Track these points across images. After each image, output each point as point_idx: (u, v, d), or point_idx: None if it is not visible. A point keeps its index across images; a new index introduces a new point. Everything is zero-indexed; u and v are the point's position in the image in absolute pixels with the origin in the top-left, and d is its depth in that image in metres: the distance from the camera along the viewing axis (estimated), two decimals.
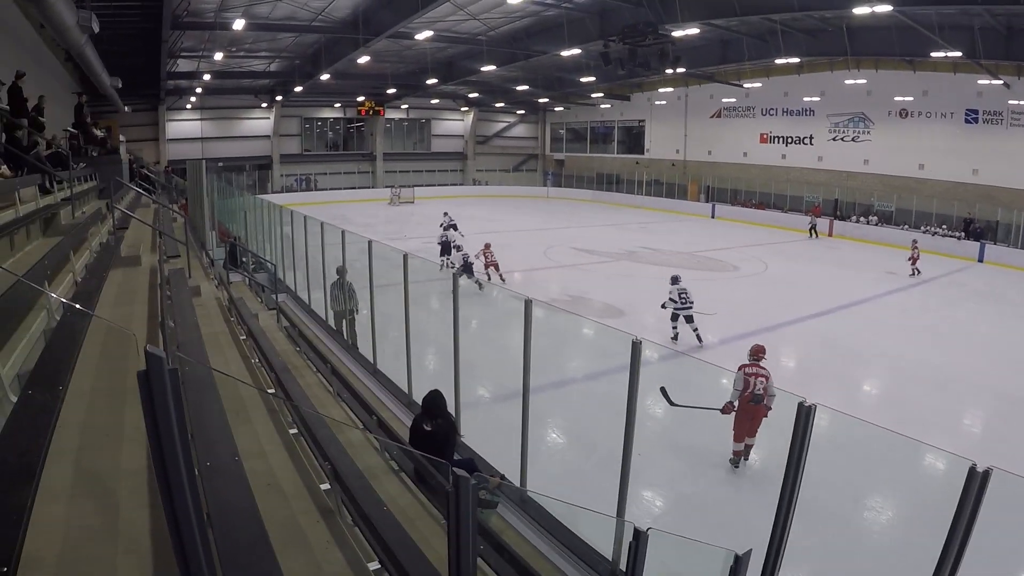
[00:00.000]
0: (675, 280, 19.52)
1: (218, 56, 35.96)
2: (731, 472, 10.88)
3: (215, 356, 8.56)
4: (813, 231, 37.12)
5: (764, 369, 11.38)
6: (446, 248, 27.04)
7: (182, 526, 2.50)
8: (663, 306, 19.14)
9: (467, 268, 23.09)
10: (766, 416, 10.98)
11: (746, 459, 11.45)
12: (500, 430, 8.76)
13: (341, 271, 15.49)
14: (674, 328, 18.69)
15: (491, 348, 15.54)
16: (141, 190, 25.56)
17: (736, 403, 11.15)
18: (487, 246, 25.06)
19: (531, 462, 8.06)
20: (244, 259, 20.75)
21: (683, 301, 18.80)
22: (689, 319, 18.58)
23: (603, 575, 6.31)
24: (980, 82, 36.06)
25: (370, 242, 12.70)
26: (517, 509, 7.42)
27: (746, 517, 7.13)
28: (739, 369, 11.42)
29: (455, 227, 29.50)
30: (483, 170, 66.33)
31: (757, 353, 11.99)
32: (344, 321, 15.66)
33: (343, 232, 14.81)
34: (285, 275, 19.68)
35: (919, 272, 28.65)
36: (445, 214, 32.19)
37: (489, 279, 23.88)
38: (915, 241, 28.76)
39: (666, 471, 10.84)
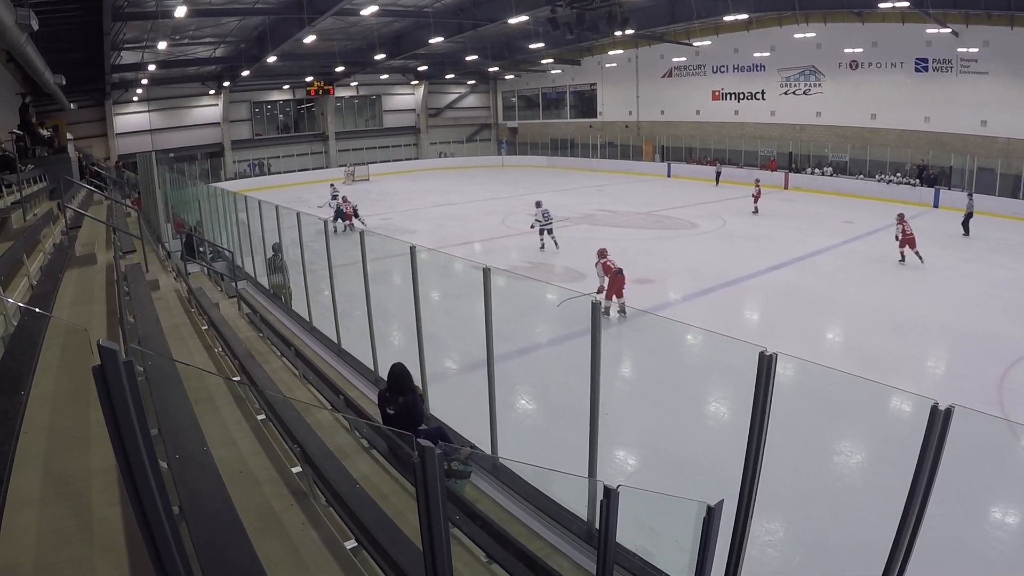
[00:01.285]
0: (539, 204, 26.18)
1: (162, 45, 35.28)
2: (702, 426, 11.02)
3: (177, 348, 8.50)
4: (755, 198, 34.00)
5: (605, 258, 17.49)
6: (339, 214, 30.55)
7: (151, 520, 2.49)
8: (531, 226, 25.88)
9: (339, 214, 30.07)
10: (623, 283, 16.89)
11: (621, 312, 16.78)
12: (469, 400, 8.79)
13: (276, 247, 16.47)
14: (541, 240, 25.38)
15: (455, 319, 15.56)
16: (92, 187, 25.17)
17: (606, 283, 16.93)
18: (344, 199, 31.56)
19: (502, 429, 8.09)
20: (201, 249, 20.53)
21: (546, 219, 25.42)
22: (550, 231, 25.45)
23: (579, 535, 6.36)
24: (928, 31, 36.36)
25: (325, 222, 12.63)
26: (490, 477, 7.45)
27: (720, 469, 7.24)
28: (596, 264, 17.53)
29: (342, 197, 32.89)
30: (437, 142, 65.93)
31: (603, 253, 17.73)
32: (282, 294, 16.66)
33: (298, 214, 14.71)
34: (244, 262, 19.51)
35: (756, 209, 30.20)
36: (331, 185, 37.78)
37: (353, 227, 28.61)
38: (901, 215, 27.61)
39: (638, 429, 10.95)
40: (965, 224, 28.81)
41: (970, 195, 29.85)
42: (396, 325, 13.64)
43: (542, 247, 24.72)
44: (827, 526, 8.28)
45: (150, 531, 2.52)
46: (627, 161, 55.20)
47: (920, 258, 23.14)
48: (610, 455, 9.73)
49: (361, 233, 11.09)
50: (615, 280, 16.95)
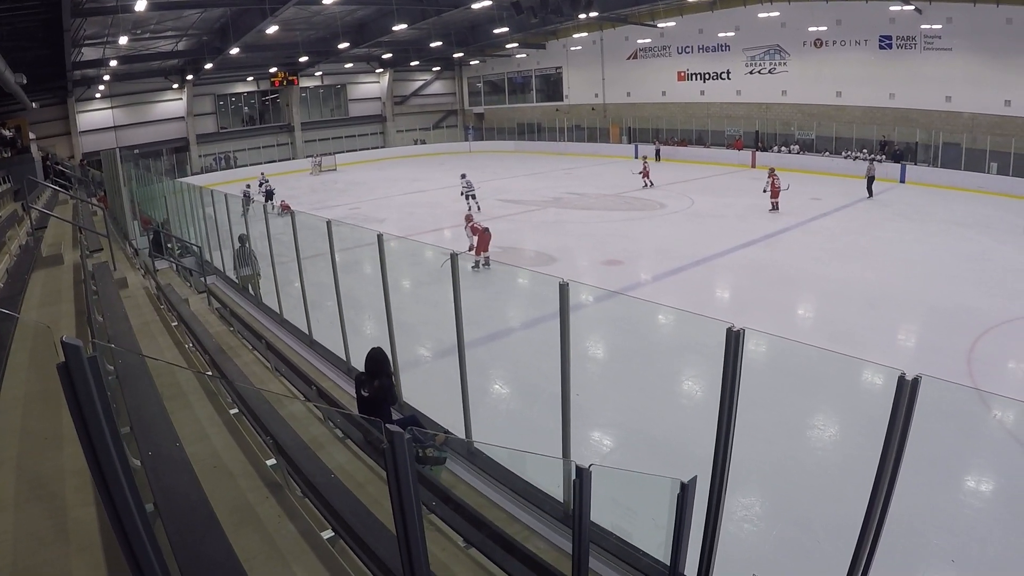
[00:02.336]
0: (463, 176, 31.69)
1: (123, 40, 34.84)
2: (675, 405, 11.11)
3: (148, 346, 8.45)
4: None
5: (473, 221, 20.59)
6: (269, 195, 33.91)
7: (123, 517, 2.49)
8: (461, 193, 30.94)
9: (269, 195, 33.60)
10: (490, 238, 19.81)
11: (487, 265, 19.64)
12: (442, 386, 8.80)
13: (243, 239, 16.44)
14: (468, 207, 29.07)
15: (426, 306, 15.56)
16: (57, 187, 24.93)
17: (475, 242, 19.76)
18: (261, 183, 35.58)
19: (476, 415, 8.12)
20: (169, 245, 20.37)
21: (469, 188, 30.81)
22: (473, 196, 30.50)
23: (556, 516, 6.40)
24: (892, 8, 36.69)
25: (293, 213, 12.57)
26: (465, 462, 7.48)
27: (695, 446, 7.31)
28: (465, 228, 20.59)
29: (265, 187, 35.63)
30: (404, 130, 65.66)
31: (469, 218, 21.24)
32: (250, 285, 16.66)
33: (264, 206, 14.65)
34: (212, 256, 19.39)
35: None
36: (262, 173, 39.50)
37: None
38: (772, 169, 30.04)
39: (612, 410, 11.01)
40: (868, 187, 32.23)
41: (871, 160, 34.64)
42: (368, 314, 13.63)
43: (469, 209, 28.52)
44: (802, 499, 8.38)
45: (123, 529, 2.52)
46: (594, 144, 55.27)
47: (776, 208, 28.13)
48: (585, 437, 9.78)
49: (328, 222, 11.05)
50: (482, 237, 19.96)
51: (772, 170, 29.25)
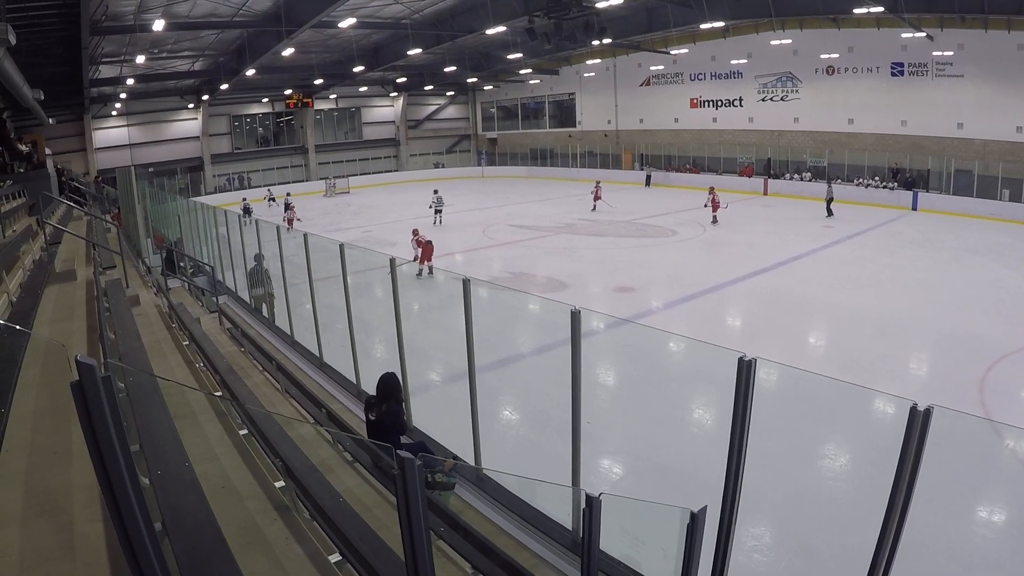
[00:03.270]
0: (436, 191, 35.90)
1: (140, 59, 35.20)
2: (686, 433, 11.06)
3: (158, 364, 8.46)
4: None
5: (417, 235, 22.94)
6: (247, 211, 34.41)
7: (132, 535, 2.49)
8: (429, 207, 34.98)
9: (247, 211, 33.81)
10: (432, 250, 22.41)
11: (430, 273, 21.93)
12: (452, 411, 8.78)
13: (258, 258, 16.48)
14: (435, 219, 34.24)
15: (437, 331, 15.56)
16: (72, 203, 25.07)
17: (419, 252, 22.28)
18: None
19: (486, 440, 8.10)
20: (182, 264, 20.45)
21: (439, 203, 34.95)
22: (440, 212, 34.88)
23: (564, 544, 6.37)
24: (904, 35, 36.70)
25: (305, 235, 12.60)
26: (474, 488, 7.45)
27: (705, 475, 7.25)
28: (412, 240, 22.96)
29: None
30: (417, 154, 65.95)
31: (415, 232, 23.33)
32: (264, 304, 16.63)
33: (278, 227, 14.70)
34: (224, 276, 19.44)
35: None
36: (244, 199, 41.85)
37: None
38: (712, 188, 34.36)
39: (622, 437, 10.96)
40: (828, 207, 34.23)
41: (830, 182, 37.04)
42: (378, 337, 13.64)
43: (434, 223, 33.82)
44: (813, 529, 8.31)
45: (131, 547, 2.52)
46: (607, 170, 55.23)
47: (715, 221, 32.09)
48: (595, 464, 9.73)
49: (341, 245, 11.08)
50: (426, 249, 22.48)
51: (712, 188, 33.87)
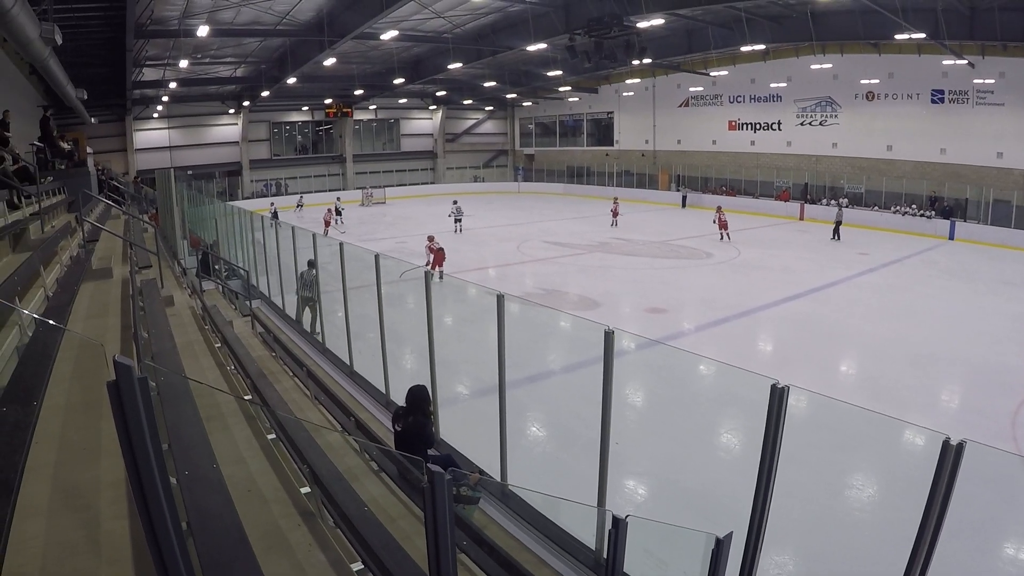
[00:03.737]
0: (455, 202, 38.65)
1: (183, 63, 35.74)
2: (713, 457, 10.98)
3: (190, 365, 8.51)
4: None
5: (432, 241, 24.97)
6: (275, 215, 38.27)
7: (159, 534, 2.50)
8: (449, 215, 37.69)
9: (275, 215, 37.58)
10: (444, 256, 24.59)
11: (440, 278, 21.95)
12: (480, 425, 8.77)
13: (312, 263, 16.12)
14: (455, 227, 36.72)
15: (468, 344, 15.56)
16: (110, 202, 25.32)
17: (432, 259, 24.23)
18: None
19: (512, 456, 8.08)
20: (217, 267, 20.63)
21: (459, 213, 37.36)
22: (459, 221, 37.16)
23: (587, 564, 6.33)
24: (945, 63, 36.45)
25: (341, 244, 12.68)
26: (499, 503, 7.44)
27: (730, 500, 7.20)
28: (425, 247, 24.87)
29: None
30: (453, 167, 66.26)
31: (431, 238, 25.27)
32: (307, 308, 16.44)
33: (314, 235, 14.80)
34: (258, 281, 19.59)
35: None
36: (272, 204, 44.68)
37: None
38: (719, 207, 36.40)
39: (649, 459, 10.90)
40: (836, 231, 35.49)
41: (840, 206, 38.37)
42: (409, 348, 13.66)
43: (455, 231, 36.50)
44: (838, 560, 8.21)
45: (158, 545, 2.52)
46: (643, 190, 55.20)
47: (728, 237, 33.81)
48: (620, 485, 9.68)
49: (376, 256, 11.13)
50: (438, 255, 24.57)
51: (719, 208, 35.96)
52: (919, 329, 18.45)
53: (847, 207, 39.64)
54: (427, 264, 23.80)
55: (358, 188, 56.72)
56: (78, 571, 3.55)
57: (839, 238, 34.70)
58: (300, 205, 48.31)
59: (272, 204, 43.81)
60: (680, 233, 36.37)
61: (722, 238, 33.74)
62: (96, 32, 25.87)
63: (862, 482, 10.30)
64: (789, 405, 4.67)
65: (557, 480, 9.77)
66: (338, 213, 41.04)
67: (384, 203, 54.72)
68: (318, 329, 15.64)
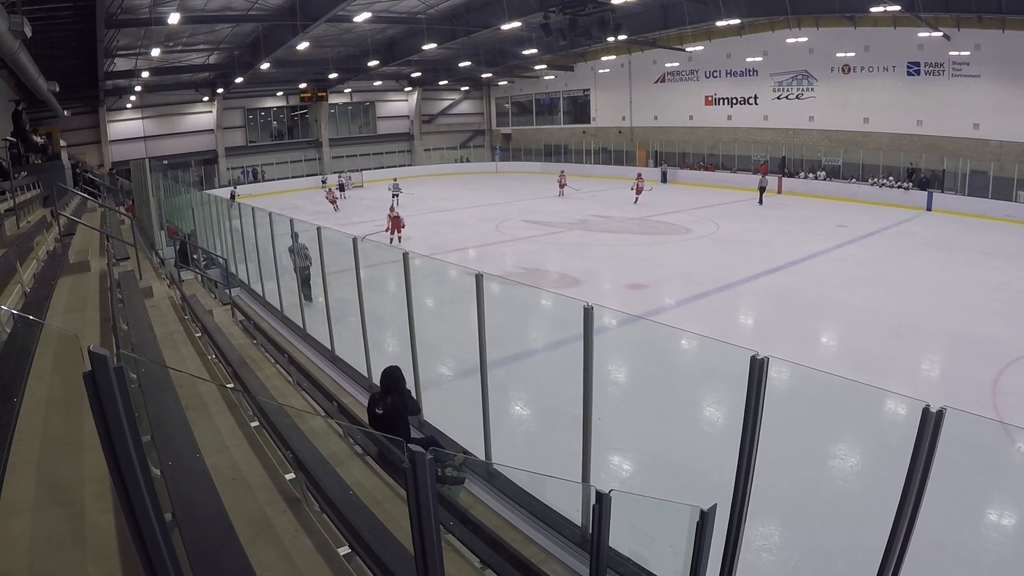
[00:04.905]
0: (395, 179, 42.22)
1: (155, 52, 35.35)
2: (697, 431, 11.05)
3: (171, 355, 8.49)
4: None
5: (392, 211, 29.01)
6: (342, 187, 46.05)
7: (142, 526, 2.49)
8: (388, 188, 40.75)
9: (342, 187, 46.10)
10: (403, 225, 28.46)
11: (399, 242, 27.45)
12: (463, 406, 8.80)
13: (295, 237, 16.69)
14: (393, 202, 36.43)
15: (449, 325, 15.56)
16: (86, 195, 25.20)
17: (389, 224, 28.17)
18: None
19: (496, 435, 8.11)
20: (195, 256, 20.52)
21: (397, 189, 40.20)
22: (396, 196, 38.80)
23: (573, 540, 6.37)
24: (920, 35, 36.50)
25: (319, 228, 12.62)
26: (484, 483, 7.46)
27: (715, 473, 7.25)
28: (390, 215, 28.75)
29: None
30: (431, 149, 66.04)
31: (392, 208, 30.07)
32: (306, 280, 16.86)
33: (291, 220, 14.75)
34: (237, 269, 19.51)
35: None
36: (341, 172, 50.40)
37: None
38: (639, 174, 42.16)
39: (633, 434, 10.96)
40: (760, 197, 39.17)
41: (763, 175, 40.97)
42: (390, 331, 13.66)
43: (395, 204, 35.75)
44: (823, 529, 8.29)
45: (142, 538, 2.52)
46: (621, 167, 55.15)
47: (636, 200, 39.20)
48: (605, 460, 9.73)
49: (354, 239, 11.11)
50: (394, 223, 28.31)
51: (639, 175, 41.51)
52: (899, 300, 18.58)
53: (817, 178, 42.15)
54: (385, 230, 28.71)
55: (335, 172, 56.33)
56: (65, 566, 3.55)
57: (762, 203, 38.44)
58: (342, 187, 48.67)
59: (234, 187, 46.70)
60: (659, 209, 36.43)
61: (635, 201, 39.04)
62: (66, 23, 25.60)
63: (845, 452, 10.39)
64: (771, 377, 4.69)
65: (542, 458, 9.81)
66: (341, 188, 44.89)
67: (362, 187, 54.42)
68: (311, 297, 16.55)
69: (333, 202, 41.66)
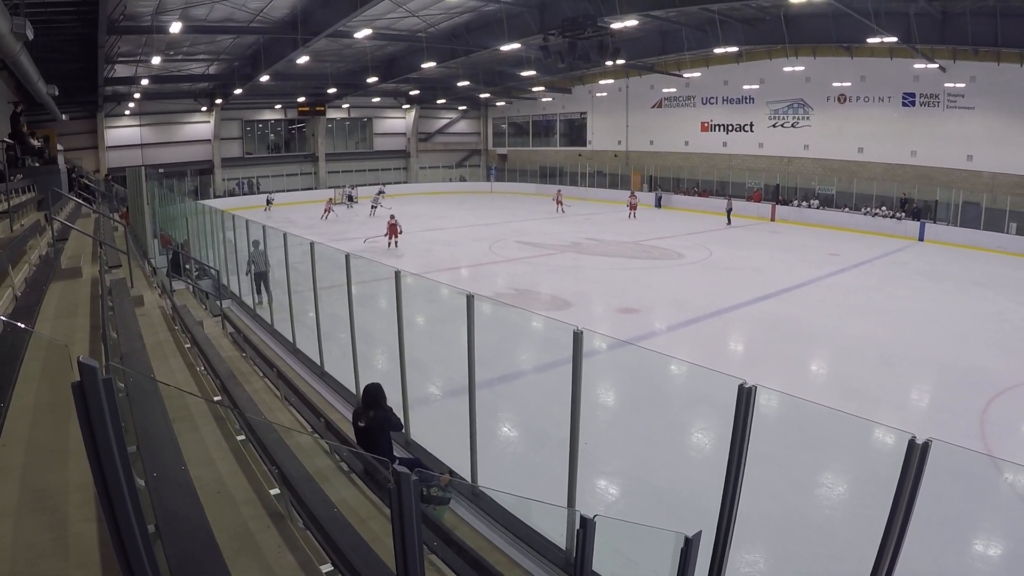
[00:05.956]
0: (380, 191, 47.92)
1: (156, 60, 35.34)
2: (684, 457, 11.05)
3: (159, 366, 8.47)
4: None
5: (392, 218, 31.32)
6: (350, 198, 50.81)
7: (125, 537, 2.49)
8: (369, 198, 46.57)
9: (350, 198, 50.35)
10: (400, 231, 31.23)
11: (395, 247, 30.85)
12: (451, 426, 8.79)
13: (256, 243, 18.26)
14: (372, 210, 44.22)
15: (440, 345, 15.54)
16: (81, 200, 25.13)
17: (387, 230, 31.01)
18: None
19: (483, 456, 8.09)
20: (187, 266, 20.49)
21: (375, 200, 44.83)
22: (374, 206, 44.19)
23: (557, 564, 6.35)
24: (916, 66, 36.85)
25: (312, 244, 12.62)
26: (469, 504, 7.45)
27: (701, 499, 7.25)
28: (389, 222, 31.23)
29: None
30: (426, 167, 66.15)
31: (392, 218, 31.57)
32: (261, 283, 18.27)
33: (285, 235, 14.76)
34: (229, 281, 19.48)
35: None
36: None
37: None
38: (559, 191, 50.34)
39: (620, 459, 10.94)
40: (727, 217, 41.77)
41: (728, 197, 44.74)
42: (380, 349, 13.63)
43: (370, 214, 43.62)
44: (808, 557, 8.29)
45: (124, 549, 2.52)
46: (616, 190, 55.27)
47: (563, 211, 45.73)
48: (591, 484, 9.71)
49: (347, 256, 11.12)
50: (391, 229, 31.03)
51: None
52: (889, 329, 18.64)
53: (811, 206, 42.40)
54: (384, 234, 31.57)
55: (331, 187, 56.30)
56: (46, 574, 3.54)
57: (730, 223, 41.04)
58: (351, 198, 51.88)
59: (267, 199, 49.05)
60: (652, 233, 36.51)
61: (558, 210, 46.34)
62: (68, 28, 25.60)
63: (832, 481, 10.40)
64: (760, 405, 4.72)
65: (528, 480, 9.79)
66: (373, 205, 45.84)
67: (357, 203, 54.39)
68: (264, 302, 17.71)
69: (328, 211, 44.02)
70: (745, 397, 4.66)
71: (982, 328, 18.92)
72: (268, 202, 49.60)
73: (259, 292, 18.27)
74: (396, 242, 31.05)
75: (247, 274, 18.46)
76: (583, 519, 3.45)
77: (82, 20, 24.45)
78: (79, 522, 3.98)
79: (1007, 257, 31.26)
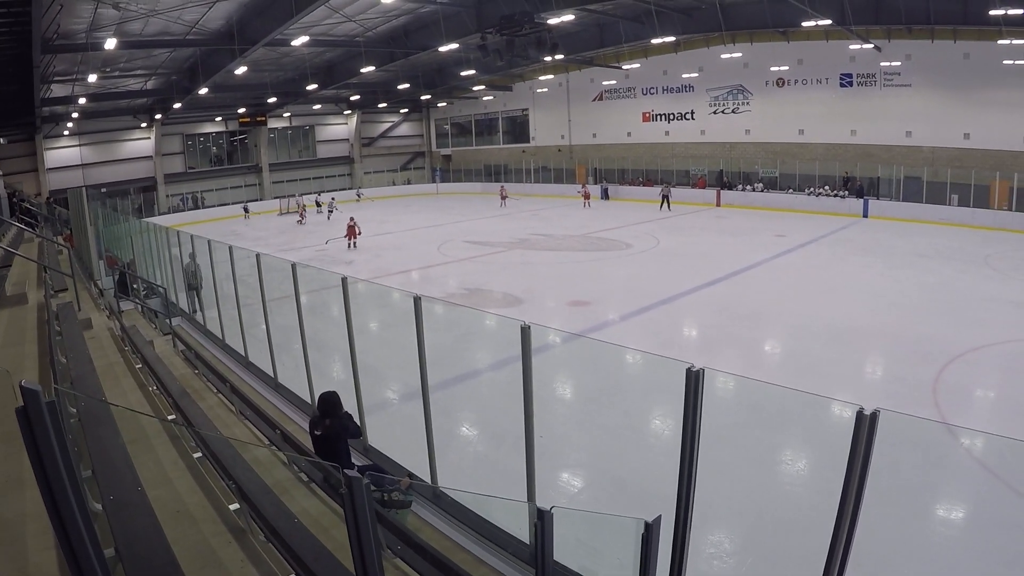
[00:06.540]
0: (332, 198, 50.27)
1: (92, 78, 34.79)
2: (642, 445, 11.14)
3: (111, 388, 8.37)
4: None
5: (351, 220, 33.35)
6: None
7: (81, 562, 2.49)
8: (326, 206, 49.18)
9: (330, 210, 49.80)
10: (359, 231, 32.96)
11: (354, 247, 32.39)
12: (409, 430, 8.81)
13: (192, 256, 19.00)
14: (330, 213, 46.97)
15: (393, 349, 15.48)
16: (23, 225, 24.69)
17: (345, 231, 32.93)
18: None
19: (443, 457, 8.12)
20: (135, 286, 20.24)
21: (331, 208, 47.53)
22: (331, 211, 46.92)
23: (522, 558, 6.40)
24: (852, 47, 37.54)
25: (258, 255, 12.53)
26: (431, 506, 7.47)
27: (662, 485, 7.31)
28: (348, 224, 33.20)
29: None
30: (371, 172, 65.83)
31: (351, 220, 33.43)
32: (196, 294, 19.04)
33: (230, 248, 14.63)
34: (178, 298, 19.28)
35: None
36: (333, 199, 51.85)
37: None
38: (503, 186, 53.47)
39: (580, 450, 11.02)
40: (664, 203, 42.90)
41: (664, 184, 46.03)
42: (334, 357, 13.57)
43: (327, 218, 46.47)
44: (772, 534, 8.39)
45: (81, 574, 2.51)
46: (561, 184, 55.60)
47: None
48: (553, 477, 9.76)
49: (293, 265, 11.08)
50: (350, 231, 32.66)
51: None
52: (839, 305, 18.93)
53: (755, 190, 43.45)
54: (345, 236, 33.16)
55: (275, 197, 55.76)
56: None
57: (669, 208, 42.44)
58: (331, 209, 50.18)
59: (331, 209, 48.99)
60: (600, 225, 36.70)
61: (502, 204, 49.36)
62: (2, 48, 25.14)
63: (790, 458, 10.54)
64: (714, 388, 4.81)
65: (490, 478, 9.82)
66: (330, 210, 48.06)
67: (337, 210, 53.90)
68: (198, 308, 18.73)
69: (302, 216, 46.91)
70: (694, 380, 4.73)
71: (929, 299, 19.34)
72: (245, 211, 50.41)
73: (194, 304, 19.08)
74: (355, 243, 32.62)
75: (187, 288, 19.03)
76: (540, 511, 3.49)
77: (15, 39, 23.98)
78: (38, 551, 3.95)
79: (950, 228, 32.02)
